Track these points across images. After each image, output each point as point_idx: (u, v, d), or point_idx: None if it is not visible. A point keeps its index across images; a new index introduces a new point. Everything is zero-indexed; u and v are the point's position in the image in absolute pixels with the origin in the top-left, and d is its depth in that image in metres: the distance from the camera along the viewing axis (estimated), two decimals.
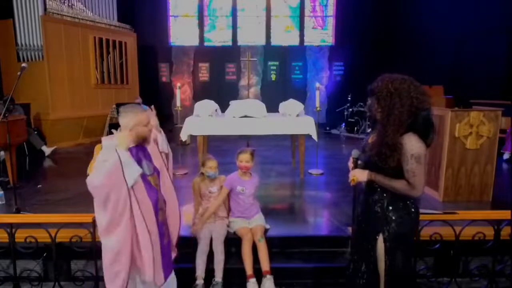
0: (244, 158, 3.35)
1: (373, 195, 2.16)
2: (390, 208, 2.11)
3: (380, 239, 2.12)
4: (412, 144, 1.99)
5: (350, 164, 2.27)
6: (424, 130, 2.03)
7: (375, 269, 2.18)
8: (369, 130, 9.11)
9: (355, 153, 2.23)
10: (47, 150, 7.19)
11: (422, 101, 2.02)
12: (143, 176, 2.39)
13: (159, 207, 2.49)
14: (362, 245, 2.22)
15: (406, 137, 2.01)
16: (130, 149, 2.40)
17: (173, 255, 2.73)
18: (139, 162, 2.39)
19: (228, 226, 3.40)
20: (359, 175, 2.17)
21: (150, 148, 2.58)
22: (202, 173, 3.43)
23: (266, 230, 3.41)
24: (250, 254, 3.15)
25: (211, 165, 3.35)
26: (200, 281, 3.06)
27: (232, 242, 3.31)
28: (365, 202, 2.22)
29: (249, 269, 3.10)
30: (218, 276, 3.09)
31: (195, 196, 3.48)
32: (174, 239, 2.72)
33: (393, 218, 2.10)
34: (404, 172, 2.03)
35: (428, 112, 2.05)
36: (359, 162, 2.23)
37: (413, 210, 2.14)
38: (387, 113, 2.03)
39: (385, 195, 2.12)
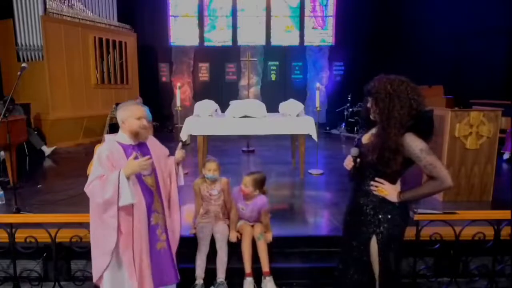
0: (243, 181, 3.27)
1: (363, 197, 2.15)
2: (382, 209, 2.10)
3: (374, 240, 2.11)
4: (414, 141, 1.98)
5: (348, 162, 2.22)
6: (425, 131, 2.02)
7: (365, 270, 2.18)
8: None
9: (354, 151, 2.18)
10: (47, 150, 7.19)
11: (420, 102, 2.00)
12: (139, 176, 2.38)
13: (153, 209, 2.46)
14: (354, 247, 2.21)
15: (406, 137, 1.99)
16: (128, 147, 2.41)
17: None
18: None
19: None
20: (390, 193, 2.08)
21: (152, 146, 2.57)
22: (204, 175, 3.42)
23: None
24: (249, 249, 3.14)
25: (210, 167, 3.30)
26: (199, 281, 3.06)
27: (234, 242, 3.29)
28: (355, 204, 2.20)
29: (247, 266, 3.10)
30: (221, 277, 3.08)
31: (196, 198, 3.47)
32: (173, 247, 2.67)
33: (384, 220, 2.09)
34: (424, 170, 2.02)
35: (431, 114, 2.04)
36: (358, 160, 2.19)
37: (403, 210, 2.14)
38: (387, 116, 2.00)
39: (375, 197, 2.12)
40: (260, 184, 3.29)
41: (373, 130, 2.15)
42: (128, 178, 2.24)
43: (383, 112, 2.01)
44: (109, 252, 2.32)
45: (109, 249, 2.31)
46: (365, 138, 2.20)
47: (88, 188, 2.28)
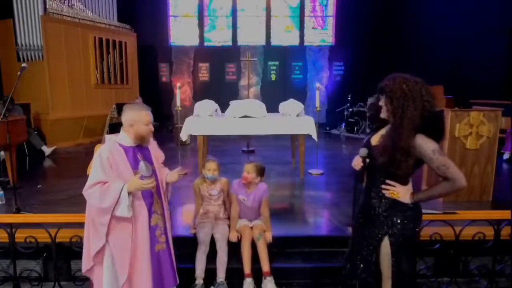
0: (245, 168, 3.30)
1: (375, 198, 2.13)
2: (394, 210, 2.09)
3: (386, 241, 2.10)
4: (426, 142, 1.96)
5: (357, 162, 2.18)
6: (436, 132, 1.99)
7: (375, 271, 2.17)
8: (368, 130, 9.11)
9: (363, 151, 2.13)
10: (47, 150, 7.19)
11: (433, 104, 1.97)
12: (140, 178, 2.39)
13: (153, 210, 2.47)
14: (363, 246, 2.20)
15: (417, 138, 1.96)
16: (129, 149, 2.41)
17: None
18: (136, 163, 2.39)
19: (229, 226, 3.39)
20: (403, 195, 2.06)
21: (152, 149, 2.58)
22: (204, 175, 3.42)
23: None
24: (248, 250, 3.14)
25: (210, 167, 3.31)
26: (199, 281, 3.06)
27: (234, 242, 3.29)
28: (367, 204, 2.18)
29: (247, 267, 3.10)
30: (221, 277, 3.09)
31: (196, 198, 3.47)
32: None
33: (398, 220, 2.08)
34: (436, 172, 1.99)
35: (442, 115, 2.02)
36: (367, 160, 2.13)
37: (416, 211, 2.12)
38: (400, 116, 1.96)
39: (387, 198, 2.10)
40: (261, 171, 3.33)
41: (383, 131, 2.12)
42: (129, 193, 2.26)
43: (396, 112, 1.97)
44: (92, 257, 2.34)
45: (92, 253, 2.33)
46: (375, 139, 2.16)
47: (86, 192, 2.28)
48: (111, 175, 2.30)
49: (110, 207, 2.22)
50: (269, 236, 3.28)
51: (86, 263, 2.43)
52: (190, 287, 3.05)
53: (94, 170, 2.31)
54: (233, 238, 3.25)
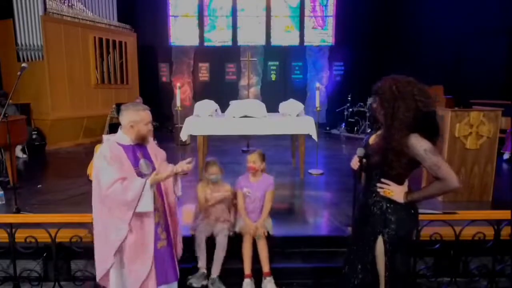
0: (249, 158, 3.33)
1: (371, 198, 2.14)
2: (389, 209, 2.09)
3: (380, 240, 2.10)
4: (419, 142, 1.96)
5: (355, 162, 2.20)
6: (430, 132, 2.00)
7: (372, 270, 2.17)
8: (369, 130, 9.11)
9: (360, 151, 2.15)
10: (19, 152, 6.83)
11: (427, 104, 1.97)
12: (141, 175, 2.40)
13: (154, 207, 2.47)
14: (360, 246, 2.21)
15: (411, 138, 1.97)
16: (128, 147, 2.42)
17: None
18: (136, 160, 2.41)
19: (234, 226, 3.37)
20: (397, 194, 2.06)
21: (150, 147, 2.59)
22: (206, 178, 3.42)
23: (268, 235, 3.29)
24: (249, 251, 3.14)
25: (212, 171, 3.33)
26: (203, 271, 3.07)
27: (233, 241, 3.29)
28: (364, 203, 2.19)
29: (247, 268, 3.10)
30: (215, 273, 3.09)
31: (199, 200, 3.44)
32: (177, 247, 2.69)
33: (393, 219, 2.08)
34: (429, 171, 1.99)
35: (434, 114, 2.01)
36: (364, 160, 2.16)
37: (412, 211, 2.13)
38: (391, 117, 1.97)
39: (382, 197, 2.10)
40: (263, 157, 3.43)
41: (380, 131, 2.14)
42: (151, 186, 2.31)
43: (387, 113, 1.99)
44: (113, 254, 2.35)
45: (114, 249, 2.33)
46: (372, 139, 2.18)
47: (107, 192, 2.27)
48: (124, 171, 2.31)
49: (134, 200, 2.25)
50: (260, 231, 3.20)
51: (101, 267, 2.41)
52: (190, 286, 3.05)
53: (106, 172, 2.29)
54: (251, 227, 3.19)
